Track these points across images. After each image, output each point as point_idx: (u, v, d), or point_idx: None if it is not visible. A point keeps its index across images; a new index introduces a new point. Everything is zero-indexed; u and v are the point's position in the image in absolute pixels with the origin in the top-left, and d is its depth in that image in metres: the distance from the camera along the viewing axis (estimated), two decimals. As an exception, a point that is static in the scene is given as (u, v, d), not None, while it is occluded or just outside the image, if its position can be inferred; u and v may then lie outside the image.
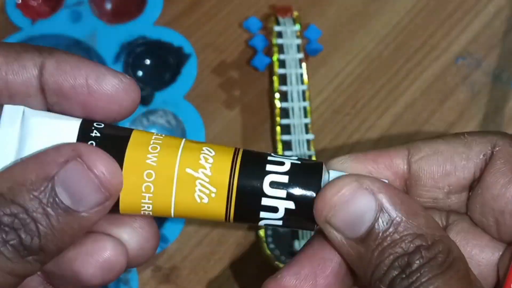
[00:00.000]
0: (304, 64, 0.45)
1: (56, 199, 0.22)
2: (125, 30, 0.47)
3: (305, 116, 0.43)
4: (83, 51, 0.47)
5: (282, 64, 0.44)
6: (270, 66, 0.45)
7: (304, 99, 0.44)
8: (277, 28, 0.46)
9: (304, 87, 0.44)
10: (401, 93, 0.45)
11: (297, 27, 0.46)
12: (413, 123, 0.45)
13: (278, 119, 0.43)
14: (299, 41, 0.45)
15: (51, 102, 0.24)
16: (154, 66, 0.47)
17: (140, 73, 0.47)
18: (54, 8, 0.49)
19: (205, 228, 0.42)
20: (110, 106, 0.25)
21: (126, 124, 0.44)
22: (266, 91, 0.46)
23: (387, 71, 0.46)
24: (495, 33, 0.47)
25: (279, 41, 0.45)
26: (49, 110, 0.25)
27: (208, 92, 0.46)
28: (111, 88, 0.24)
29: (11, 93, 0.24)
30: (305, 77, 0.44)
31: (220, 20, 0.49)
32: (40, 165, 0.22)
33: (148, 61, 0.47)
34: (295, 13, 0.47)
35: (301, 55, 0.45)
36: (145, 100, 0.45)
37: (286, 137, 0.43)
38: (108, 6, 0.49)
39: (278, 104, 0.43)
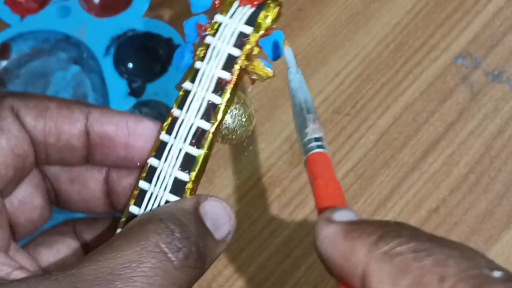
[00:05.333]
0: (229, 89, 0.28)
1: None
2: (114, 23, 0.47)
3: (185, 169, 0.28)
4: (73, 45, 0.47)
5: (195, 76, 0.29)
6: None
7: (198, 145, 0.28)
8: (217, 18, 0.29)
9: (205, 125, 0.28)
10: (401, 93, 0.46)
11: (247, 28, 0.29)
12: (413, 123, 0.45)
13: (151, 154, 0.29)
14: (234, 50, 0.28)
15: (94, 143, 0.28)
16: (145, 58, 0.47)
17: (130, 65, 0.47)
18: (42, 3, 0.49)
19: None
20: (147, 145, 0.28)
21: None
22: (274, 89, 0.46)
23: (387, 71, 0.46)
24: (494, 33, 0.47)
25: (209, 39, 0.29)
26: (89, 152, 0.28)
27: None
28: (148, 129, 0.28)
29: (59, 132, 0.27)
30: (219, 114, 0.28)
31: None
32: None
33: (138, 53, 0.47)
34: (271, 9, 0.29)
35: (224, 74, 0.28)
36: (136, 92, 0.45)
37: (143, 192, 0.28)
38: (96, 0, 0.50)
39: (161, 135, 0.28)
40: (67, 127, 0.27)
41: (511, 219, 0.41)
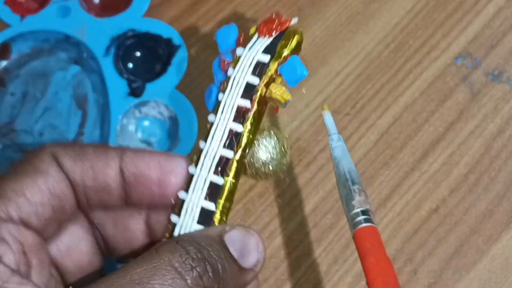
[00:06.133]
0: (250, 116, 0.28)
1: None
2: (114, 23, 0.47)
3: (212, 199, 0.28)
4: (73, 45, 0.47)
5: (218, 107, 0.30)
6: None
7: (223, 174, 0.28)
8: (238, 51, 0.31)
9: (228, 154, 0.28)
10: (401, 93, 0.46)
11: (265, 57, 0.29)
12: (413, 123, 0.45)
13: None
14: (253, 79, 0.29)
15: (129, 182, 0.29)
16: (145, 58, 0.47)
17: (130, 65, 0.47)
18: (42, 3, 0.49)
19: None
20: (179, 180, 0.29)
21: (118, 116, 0.44)
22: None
23: (387, 71, 0.46)
24: (494, 33, 0.47)
25: (230, 71, 0.30)
26: (126, 192, 0.29)
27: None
28: (179, 165, 0.29)
29: (95, 174, 0.28)
30: (242, 141, 0.28)
31: (221, 21, 0.49)
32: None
33: (138, 53, 0.47)
34: (290, 38, 0.30)
35: (244, 102, 0.29)
36: (136, 92, 0.45)
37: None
38: (96, 0, 0.50)
39: (190, 168, 0.29)
40: (103, 167, 0.28)
41: (511, 219, 0.41)
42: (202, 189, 0.28)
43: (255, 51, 0.30)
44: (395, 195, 0.43)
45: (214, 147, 0.28)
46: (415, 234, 0.41)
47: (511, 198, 0.42)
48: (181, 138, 0.43)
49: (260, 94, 0.29)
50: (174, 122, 0.44)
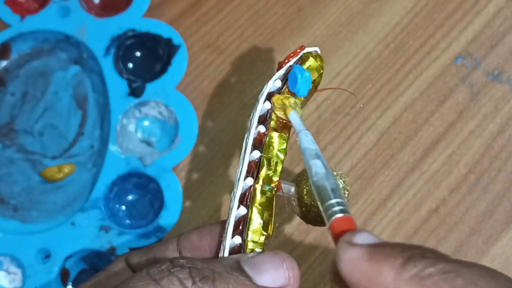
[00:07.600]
0: (266, 140, 0.28)
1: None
2: (114, 23, 0.47)
3: (241, 232, 0.27)
4: (73, 45, 0.47)
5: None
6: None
7: (247, 204, 0.27)
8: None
9: (249, 181, 0.27)
10: (401, 93, 0.46)
11: (278, 83, 0.29)
12: (413, 123, 0.45)
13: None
14: (266, 105, 0.29)
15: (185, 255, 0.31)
16: (145, 58, 0.47)
17: (130, 65, 0.47)
18: (42, 3, 0.49)
19: (201, 218, 0.42)
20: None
21: (118, 116, 0.44)
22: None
23: (387, 71, 0.46)
24: (494, 33, 0.47)
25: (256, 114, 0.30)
26: None
27: (208, 93, 0.46)
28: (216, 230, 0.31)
29: (157, 259, 0.31)
30: (261, 166, 0.28)
31: (220, 20, 0.49)
32: None
33: (138, 53, 0.47)
34: (309, 55, 0.29)
35: (261, 128, 0.29)
36: (136, 92, 0.45)
37: None
38: (96, 0, 0.50)
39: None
40: (163, 252, 0.31)
41: (511, 219, 0.41)
42: (228, 224, 0.27)
43: (271, 81, 0.29)
44: (395, 195, 0.43)
45: (239, 183, 0.28)
46: (415, 234, 0.41)
47: (511, 198, 0.42)
48: (181, 138, 0.43)
49: (275, 114, 0.28)
50: (174, 122, 0.44)
